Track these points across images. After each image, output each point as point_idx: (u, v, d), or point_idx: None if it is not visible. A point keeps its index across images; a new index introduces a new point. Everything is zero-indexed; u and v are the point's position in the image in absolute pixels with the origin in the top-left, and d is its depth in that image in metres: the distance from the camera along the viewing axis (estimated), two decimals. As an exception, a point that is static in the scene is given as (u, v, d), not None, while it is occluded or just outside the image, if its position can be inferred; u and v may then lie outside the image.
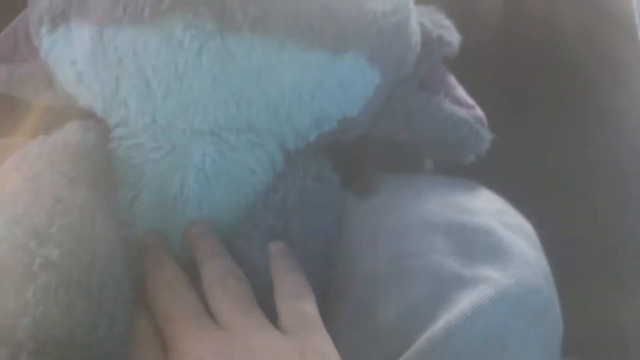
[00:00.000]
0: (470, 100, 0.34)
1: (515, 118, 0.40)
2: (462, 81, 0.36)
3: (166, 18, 0.27)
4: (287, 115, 0.30)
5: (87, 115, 0.32)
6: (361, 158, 0.35)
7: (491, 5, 0.47)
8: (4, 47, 0.34)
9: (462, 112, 0.33)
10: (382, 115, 0.33)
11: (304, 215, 0.30)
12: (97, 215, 0.28)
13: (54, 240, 0.26)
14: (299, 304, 0.28)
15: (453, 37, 0.35)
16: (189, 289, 0.28)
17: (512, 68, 0.46)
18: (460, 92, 0.35)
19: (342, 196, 0.33)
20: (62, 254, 0.26)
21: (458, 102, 0.34)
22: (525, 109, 0.44)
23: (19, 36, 0.34)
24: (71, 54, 0.30)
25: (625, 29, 0.39)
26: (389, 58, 0.31)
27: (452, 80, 0.35)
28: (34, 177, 0.28)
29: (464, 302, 0.27)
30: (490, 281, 0.28)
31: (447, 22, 0.35)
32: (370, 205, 0.32)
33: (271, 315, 0.27)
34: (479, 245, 0.29)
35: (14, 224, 0.26)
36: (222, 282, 0.28)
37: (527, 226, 0.32)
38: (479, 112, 0.34)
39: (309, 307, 0.28)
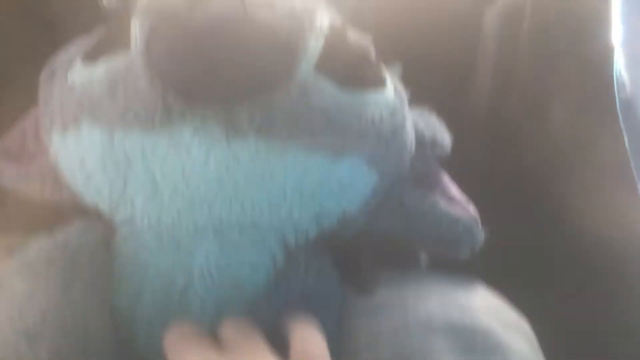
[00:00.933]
0: (464, 199, 0.36)
1: (506, 212, 0.41)
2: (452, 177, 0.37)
3: (175, 123, 0.28)
4: (289, 212, 0.31)
5: (93, 212, 0.32)
6: (359, 254, 0.35)
7: (477, 103, 0.49)
8: (13, 145, 0.35)
9: (456, 211, 0.34)
10: (379, 212, 0.34)
11: (305, 312, 0.30)
12: (90, 314, 0.28)
13: (45, 340, 0.26)
14: (309, 342, 0.27)
15: (445, 137, 0.36)
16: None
17: (501, 159, 0.48)
18: (454, 190, 0.36)
19: (342, 293, 0.33)
20: (52, 353, 0.26)
21: (452, 200, 0.35)
22: (515, 202, 0.45)
23: (27, 134, 0.35)
24: (80, 155, 0.30)
25: (608, 123, 0.41)
26: (386, 160, 0.32)
27: (446, 178, 0.36)
28: (31, 278, 0.29)
29: None
30: None
31: (439, 123, 0.37)
32: (371, 303, 0.33)
33: None
34: (478, 346, 0.29)
35: (6, 325, 0.27)
36: (234, 320, 0.28)
37: (523, 324, 0.32)
38: (472, 210, 0.35)
39: (321, 347, 0.27)
